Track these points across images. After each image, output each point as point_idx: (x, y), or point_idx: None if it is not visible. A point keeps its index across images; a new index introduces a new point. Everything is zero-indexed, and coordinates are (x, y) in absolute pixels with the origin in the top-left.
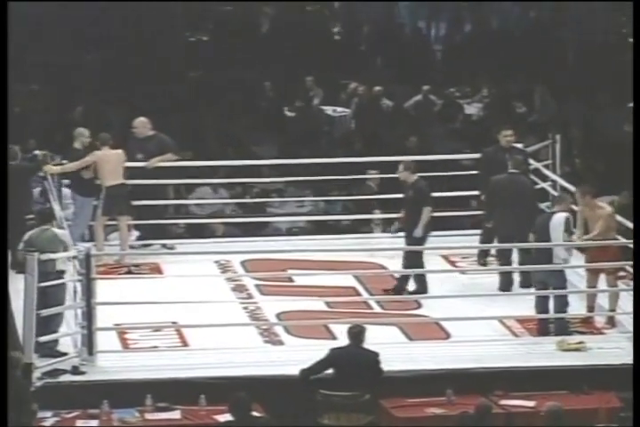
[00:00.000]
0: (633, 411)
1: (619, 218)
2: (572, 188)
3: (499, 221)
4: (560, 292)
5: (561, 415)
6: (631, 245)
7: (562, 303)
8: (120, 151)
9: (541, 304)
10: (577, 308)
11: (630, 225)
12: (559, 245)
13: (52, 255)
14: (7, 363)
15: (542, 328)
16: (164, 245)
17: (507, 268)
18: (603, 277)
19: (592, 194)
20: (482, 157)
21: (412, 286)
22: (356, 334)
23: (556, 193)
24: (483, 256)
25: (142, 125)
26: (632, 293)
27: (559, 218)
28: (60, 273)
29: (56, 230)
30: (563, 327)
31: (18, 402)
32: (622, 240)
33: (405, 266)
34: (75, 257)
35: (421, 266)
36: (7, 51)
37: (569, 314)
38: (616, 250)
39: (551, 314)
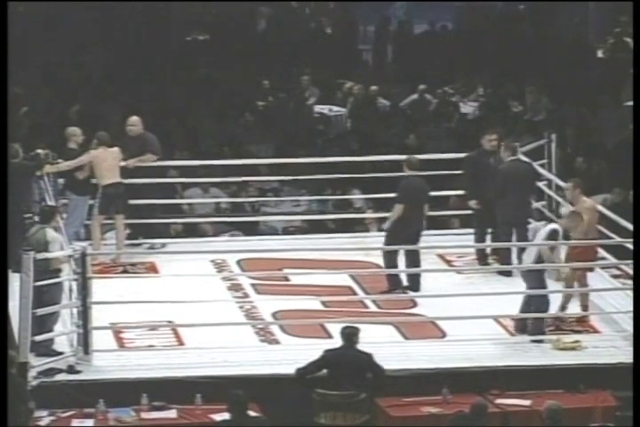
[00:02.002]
0: (633, 411)
1: (613, 216)
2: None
3: (510, 205)
4: (556, 291)
5: (560, 414)
6: (626, 245)
7: (540, 303)
8: (116, 150)
9: (525, 304)
10: (571, 307)
11: (624, 223)
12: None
13: (47, 254)
14: (7, 363)
15: (519, 326)
16: (152, 246)
17: (500, 267)
18: (591, 276)
19: (581, 188)
20: (465, 160)
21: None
22: (349, 334)
23: (551, 192)
24: (483, 258)
25: (132, 124)
26: (629, 292)
27: (546, 230)
28: (56, 272)
29: (47, 231)
30: (538, 328)
31: (15, 401)
32: (618, 239)
33: (386, 265)
34: (70, 256)
35: (396, 265)
36: (7, 51)
37: (565, 313)
38: (593, 248)
39: (548, 314)
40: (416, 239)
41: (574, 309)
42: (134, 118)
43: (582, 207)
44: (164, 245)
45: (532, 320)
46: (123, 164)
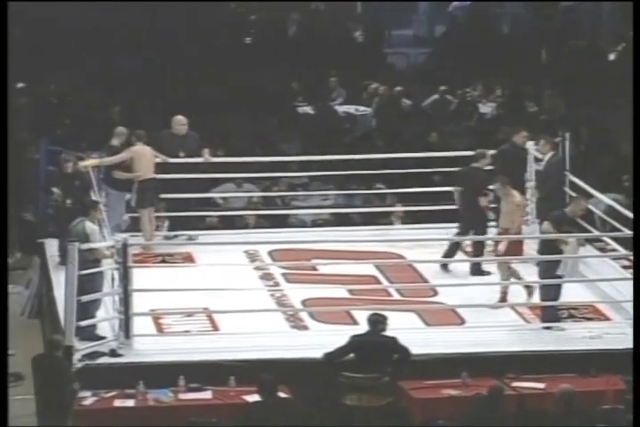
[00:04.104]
0: (633, 409)
1: (627, 212)
2: (581, 183)
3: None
4: (568, 280)
5: (573, 397)
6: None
7: (547, 292)
8: (150, 148)
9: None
10: (585, 295)
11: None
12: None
13: (91, 245)
14: (7, 362)
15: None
16: (190, 238)
17: (517, 258)
18: (602, 266)
19: (509, 184)
20: (498, 154)
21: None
22: (375, 321)
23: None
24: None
25: (181, 123)
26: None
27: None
28: (97, 262)
29: (86, 223)
30: (552, 315)
31: (60, 382)
32: (619, 233)
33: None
34: (112, 247)
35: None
36: (7, 51)
37: (575, 302)
38: (521, 242)
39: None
40: (481, 226)
41: (587, 297)
42: (182, 117)
43: (513, 202)
44: (196, 237)
45: (545, 308)
46: (199, 160)
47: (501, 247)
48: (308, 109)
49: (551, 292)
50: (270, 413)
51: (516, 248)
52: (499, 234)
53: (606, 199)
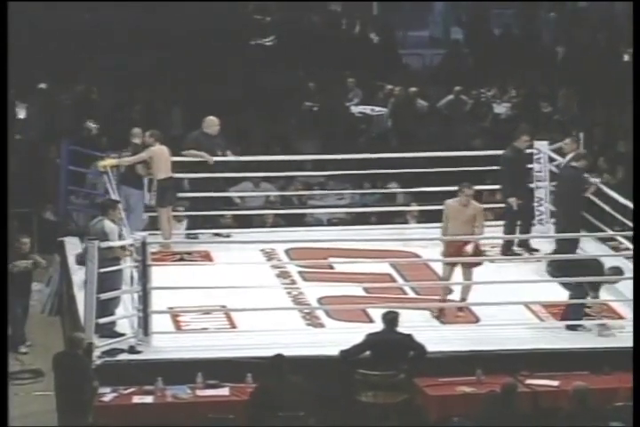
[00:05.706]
0: (633, 408)
1: None
2: (597, 182)
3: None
4: (585, 279)
5: (587, 394)
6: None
7: (575, 291)
8: (167, 148)
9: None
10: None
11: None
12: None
13: (110, 243)
14: (7, 362)
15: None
16: (217, 234)
17: (530, 257)
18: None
19: (473, 191)
20: (503, 159)
21: None
22: (390, 319)
23: None
24: (508, 247)
25: (215, 124)
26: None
27: None
28: (116, 260)
29: (105, 222)
30: (576, 313)
31: (81, 379)
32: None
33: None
34: (131, 245)
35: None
36: (7, 51)
37: (590, 301)
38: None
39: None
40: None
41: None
42: (215, 118)
43: (475, 208)
44: (228, 234)
45: (572, 306)
46: (227, 159)
47: (469, 248)
48: (324, 109)
49: (578, 290)
50: (279, 393)
51: (461, 249)
52: (465, 241)
53: (621, 198)
